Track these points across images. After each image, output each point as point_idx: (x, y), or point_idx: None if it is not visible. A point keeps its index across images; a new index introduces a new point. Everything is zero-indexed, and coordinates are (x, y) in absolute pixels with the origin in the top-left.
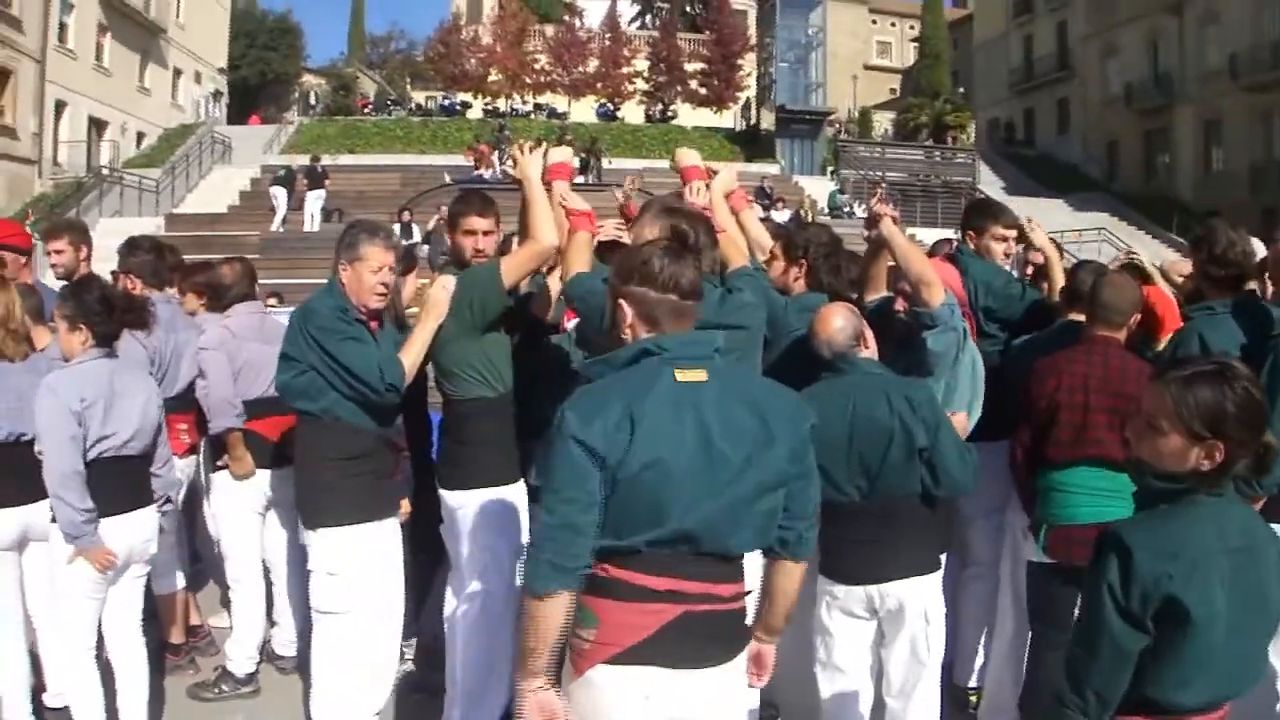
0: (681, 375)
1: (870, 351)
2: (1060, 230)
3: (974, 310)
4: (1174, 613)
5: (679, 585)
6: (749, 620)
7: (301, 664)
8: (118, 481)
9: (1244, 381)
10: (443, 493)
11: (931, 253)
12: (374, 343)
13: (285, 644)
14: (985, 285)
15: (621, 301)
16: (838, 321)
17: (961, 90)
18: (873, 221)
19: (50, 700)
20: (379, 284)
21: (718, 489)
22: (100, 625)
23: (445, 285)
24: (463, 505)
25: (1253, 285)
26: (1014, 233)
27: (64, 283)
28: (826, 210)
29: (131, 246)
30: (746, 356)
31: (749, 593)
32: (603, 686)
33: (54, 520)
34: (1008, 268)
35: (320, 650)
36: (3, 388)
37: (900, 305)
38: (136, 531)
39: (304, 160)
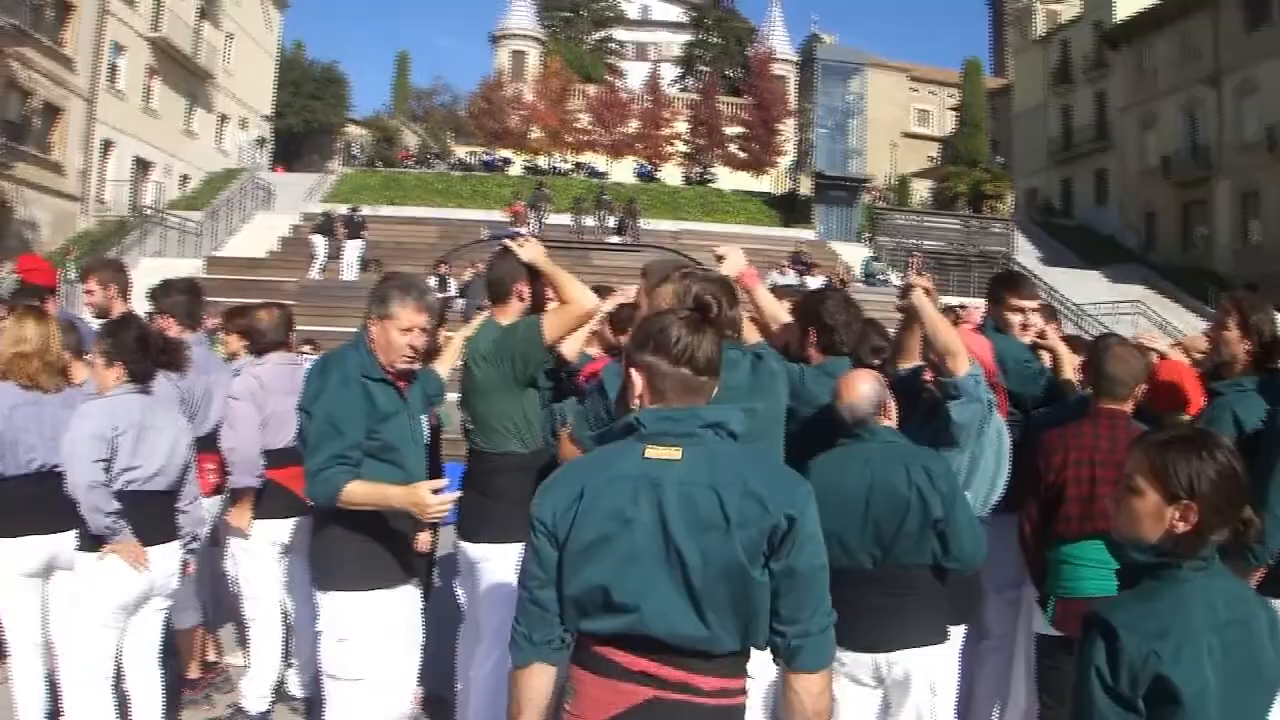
0: (651, 452)
1: (891, 421)
2: (1096, 302)
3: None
4: (1164, 692)
5: (654, 669)
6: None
7: (313, 705)
8: (143, 515)
9: (1224, 450)
10: (464, 545)
11: (994, 297)
12: (403, 406)
13: (300, 685)
14: (1003, 359)
15: (632, 370)
16: (863, 388)
17: (1001, 160)
18: (906, 291)
19: None
20: (408, 345)
21: (671, 577)
22: (119, 657)
23: (465, 333)
24: (486, 559)
25: None
26: (1033, 304)
27: (101, 320)
28: (862, 277)
29: (166, 288)
30: (773, 430)
31: (742, 692)
32: None
33: (79, 547)
34: (1026, 341)
35: (331, 714)
36: (38, 419)
37: (929, 375)
38: (159, 565)
39: (344, 209)
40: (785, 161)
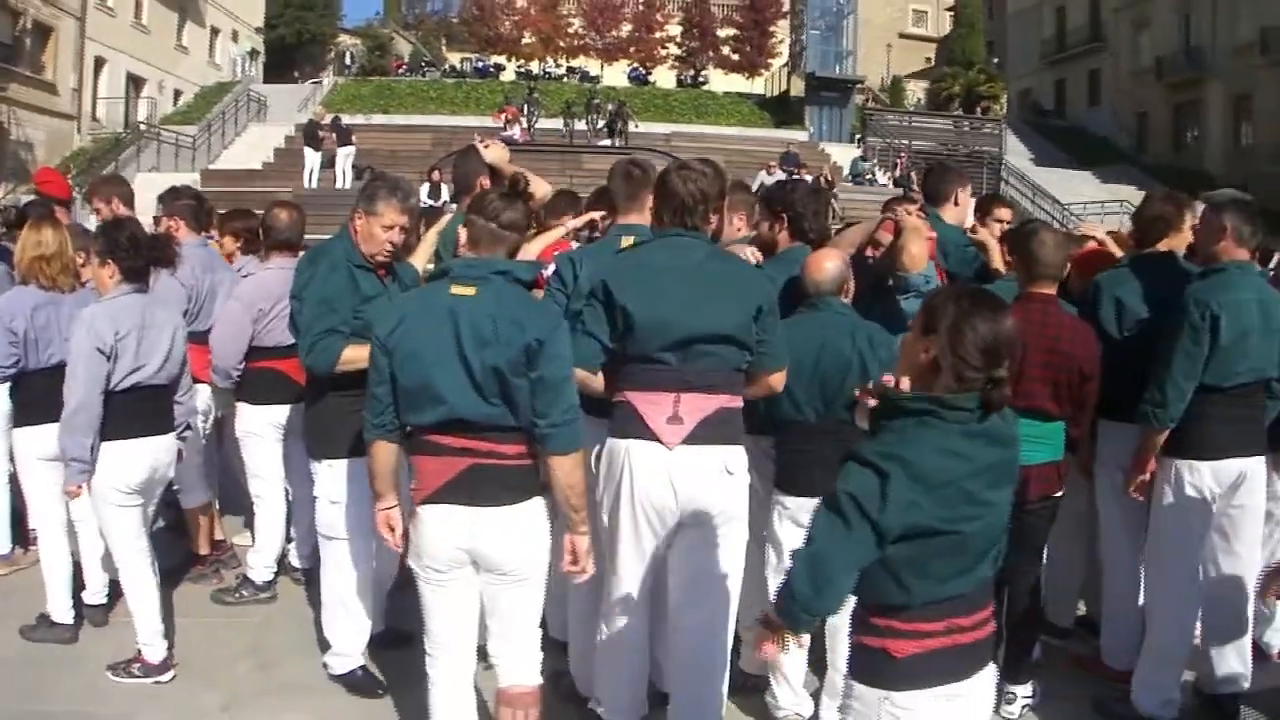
0: (455, 289)
1: (847, 299)
2: (1085, 202)
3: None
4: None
5: (469, 444)
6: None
7: (311, 575)
8: (146, 408)
9: (986, 307)
10: None
11: (982, 210)
12: (384, 290)
13: (300, 558)
14: (945, 244)
15: (460, 228)
16: (829, 266)
17: (996, 60)
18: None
19: (89, 598)
20: (388, 241)
21: (464, 377)
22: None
23: (438, 228)
24: None
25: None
26: (1009, 214)
27: None
28: (850, 176)
29: (174, 193)
30: None
31: (533, 457)
32: (423, 519)
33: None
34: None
35: (328, 570)
36: (56, 318)
37: (872, 253)
38: (159, 455)
39: (328, 119)
40: (778, 63)
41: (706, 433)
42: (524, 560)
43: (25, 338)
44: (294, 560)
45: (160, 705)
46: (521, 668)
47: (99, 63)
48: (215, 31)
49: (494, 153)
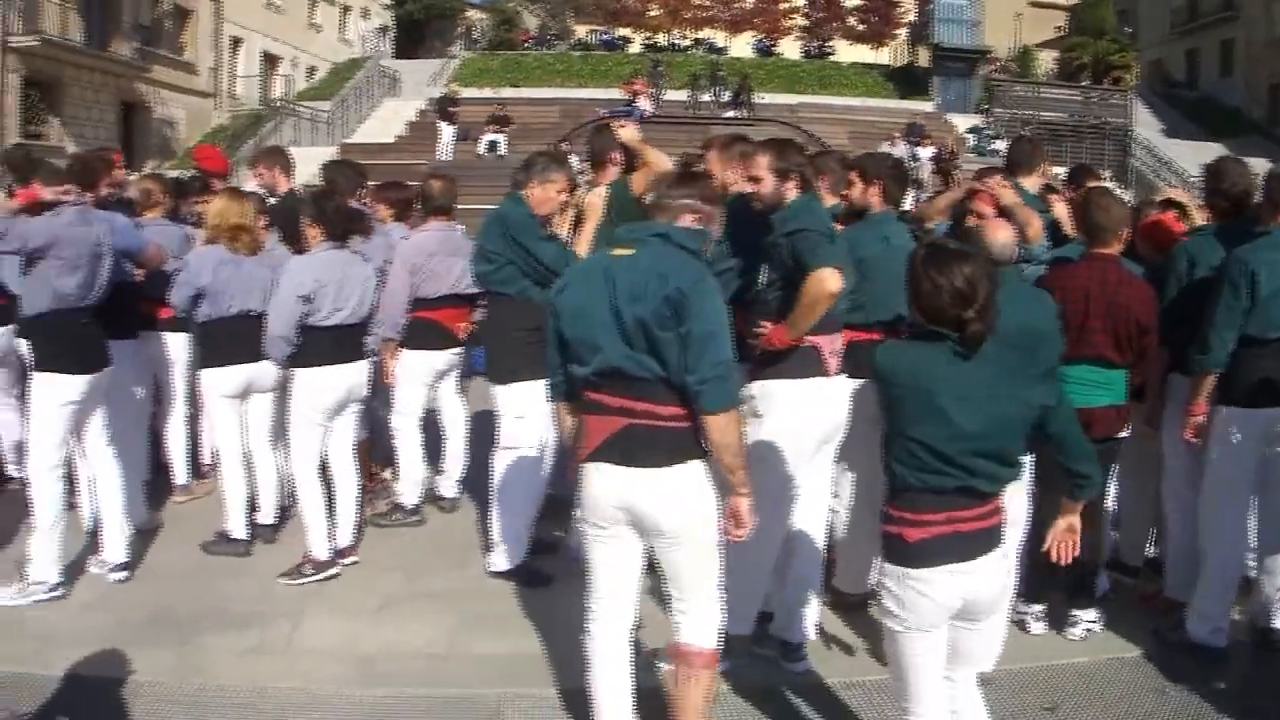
0: (615, 250)
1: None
2: None
3: None
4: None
5: (627, 404)
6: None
7: (455, 504)
8: (345, 341)
9: (958, 260)
10: None
11: (1075, 180)
12: (556, 241)
13: (448, 488)
14: None
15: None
16: (1004, 236)
17: (1129, 30)
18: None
19: (261, 519)
20: (560, 202)
21: (617, 330)
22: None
23: (599, 193)
24: None
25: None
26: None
27: (270, 196)
28: (973, 148)
29: (335, 164)
30: None
31: (690, 419)
32: (586, 475)
33: (290, 365)
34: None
35: (503, 477)
36: (236, 274)
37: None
38: (355, 377)
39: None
40: (904, 34)
41: (844, 366)
42: (681, 522)
43: (210, 289)
44: (443, 490)
45: (323, 605)
46: (697, 629)
47: (235, 42)
48: (346, 9)
49: (627, 133)
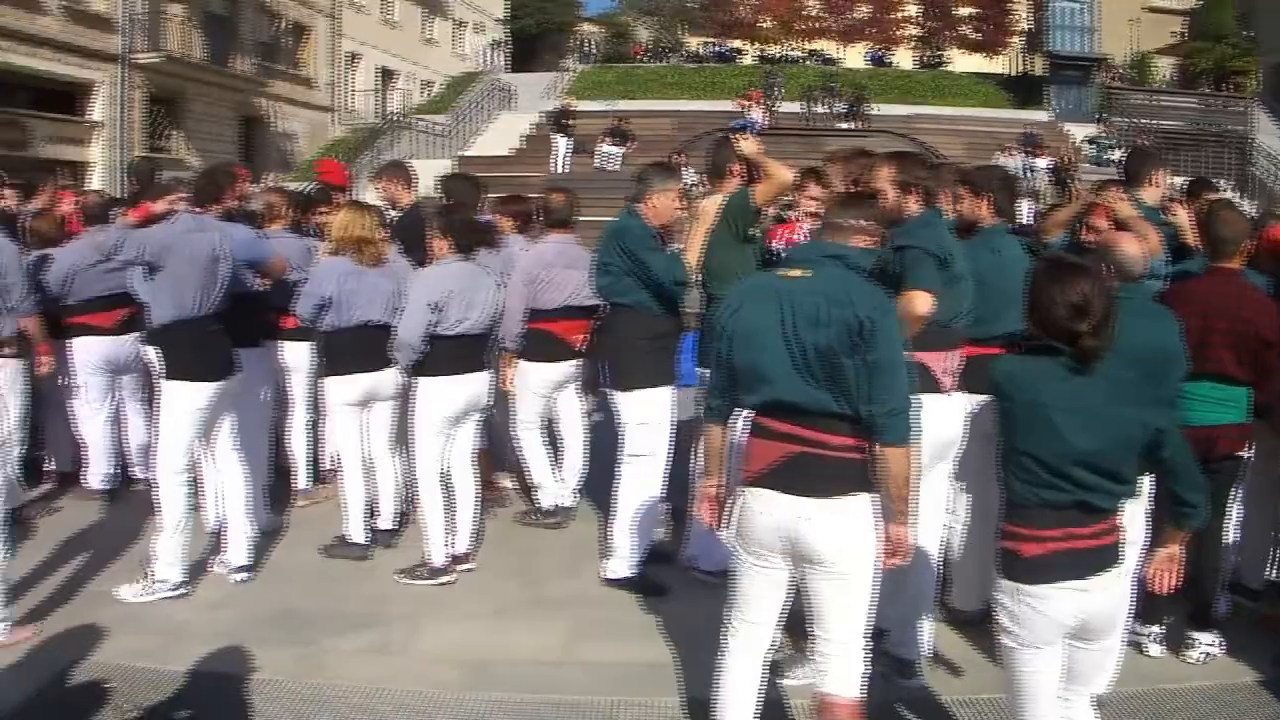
0: (787, 272)
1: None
2: None
3: None
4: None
5: (796, 430)
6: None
7: (572, 513)
8: (467, 352)
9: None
10: (702, 371)
11: (1192, 194)
12: (665, 251)
13: (566, 496)
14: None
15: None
16: (1133, 249)
17: (1251, 34)
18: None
19: (380, 524)
20: (674, 213)
21: (791, 358)
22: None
23: (713, 200)
24: None
25: None
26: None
27: (390, 208)
28: (1088, 158)
29: (453, 177)
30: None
31: (860, 450)
32: (747, 501)
33: (414, 375)
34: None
35: (627, 484)
36: (360, 285)
37: (1090, 238)
38: (477, 388)
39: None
40: (1019, 41)
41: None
42: (843, 554)
43: (335, 299)
44: (563, 502)
45: (440, 609)
46: (841, 675)
47: (352, 57)
48: (460, 24)
49: (749, 146)
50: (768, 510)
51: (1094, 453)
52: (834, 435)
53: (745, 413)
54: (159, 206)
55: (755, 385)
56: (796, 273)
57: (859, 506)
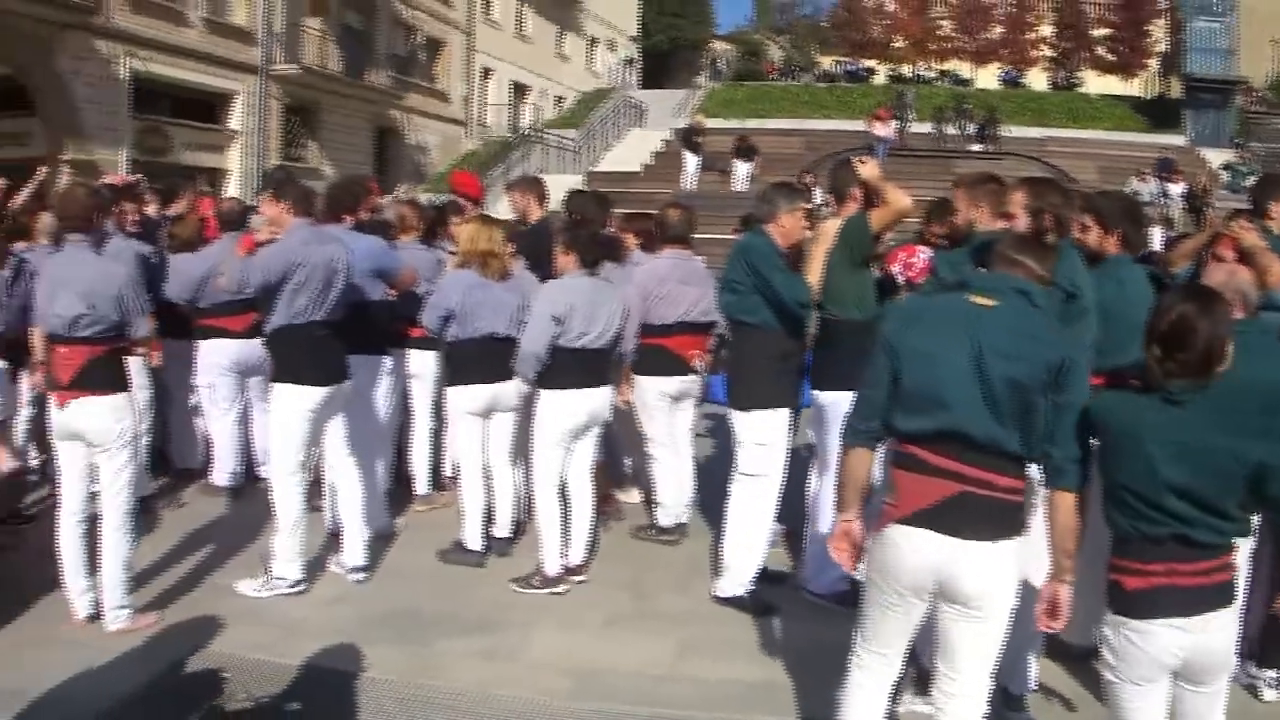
0: (974, 298)
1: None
2: None
3: None
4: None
5: (958, 467)
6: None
7: (685, 530)
8: (590, 365)
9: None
10: (815, 393)
11: None
12: (789, 271)
13: (668, 516)
14: None
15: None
16: (1219, 277)
17: None
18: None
19: (497, 532)
20: (803, 233)
21: (978, 388)
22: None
23: (834, 222)
24: (833, 403)
25: None
26: None
27: (519, 221)
28: (1226, 184)
29: (578, 193)
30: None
31: (1022, 493)
32: (895, 539)
33: (537, 386)
34: None
35: (739, 503)
36: (485, 298)
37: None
38: (598, 401)
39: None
40: (1155, 64)
41: None
42: (988, 597)
43: (461, 310)
44: (661, 519)
45: (551, 618)
46: (963, 716)
47: (486, 72)
48: (593, 41)
49: (868, 170)
50: (921, 551)
51: (1187, 485)
52: (1000, 475)
53: (886, 440)
54: (261, 236)
55: (927, 409)
56: (984, 300)
57: (1014, 550)
